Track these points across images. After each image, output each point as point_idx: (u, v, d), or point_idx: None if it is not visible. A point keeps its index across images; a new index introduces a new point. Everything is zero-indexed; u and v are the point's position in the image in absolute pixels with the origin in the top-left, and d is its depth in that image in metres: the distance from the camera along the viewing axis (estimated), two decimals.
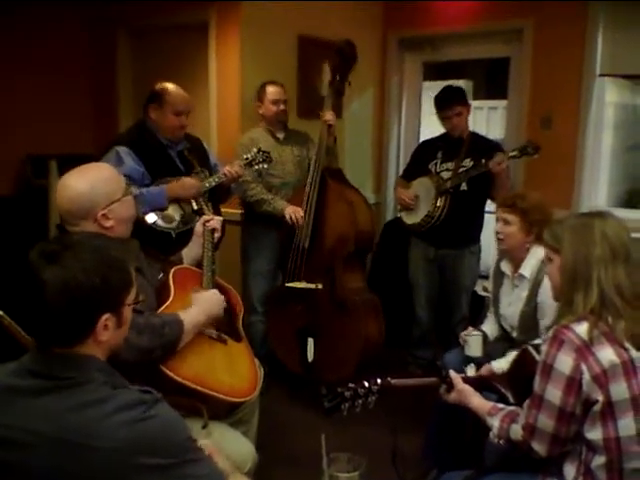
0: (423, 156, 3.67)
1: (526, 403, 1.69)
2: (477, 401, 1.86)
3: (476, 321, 3.50)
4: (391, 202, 5.01)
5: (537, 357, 1.86)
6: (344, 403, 1.75)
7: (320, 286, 3.37)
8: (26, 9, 4.32)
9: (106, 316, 1.26)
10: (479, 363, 2.59)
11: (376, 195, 4.92)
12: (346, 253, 3.35)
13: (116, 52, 4.60)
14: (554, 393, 1.57)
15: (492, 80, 5.35)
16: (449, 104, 3.46)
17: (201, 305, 1.99)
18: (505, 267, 2.71)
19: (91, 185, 1.82)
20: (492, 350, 2.71)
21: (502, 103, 4.87)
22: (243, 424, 2.17)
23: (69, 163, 2.12)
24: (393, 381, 1.83)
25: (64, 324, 1.22)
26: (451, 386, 1.91)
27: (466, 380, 1.94)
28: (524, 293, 2.57)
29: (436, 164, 3.56)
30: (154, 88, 2.99)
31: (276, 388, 3.43)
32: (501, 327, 2.72)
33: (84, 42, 4.73)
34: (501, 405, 1.83)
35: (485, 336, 2.69)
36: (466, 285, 3.63)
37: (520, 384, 1.89)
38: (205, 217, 2.40)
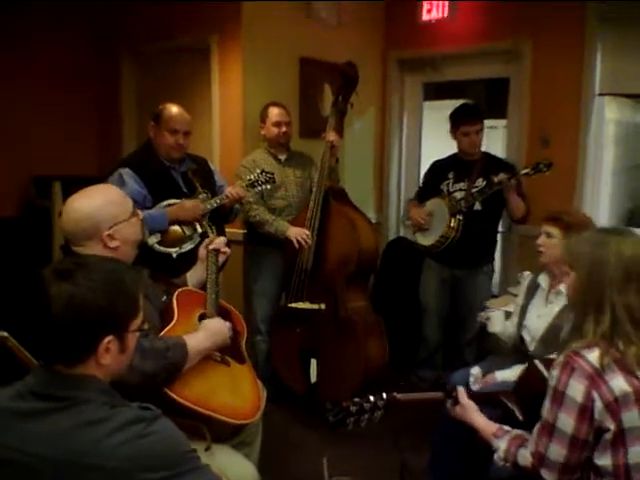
0: (434, 177, 3.69)
1: (536, 430, 1.66)
2: (481, 420, 1.85)
3: (482, 340, 3.51)
4: (393, 221, 5.03)
5: (544, 372, 1.85)
6: (349, 418, 1.74)
7: (323, 306, 3.38)
8: (30, 33, 4.39)
9: (109, 338, 1.27)
10: (484, 373, 2.61)
11: (378, 214, 4.94)
12: (348, 273, 3.36)
13: (120, 75, 4.66)
14: (566, 421, 1.56)
15: (492, 99, 5.38)
16: (474, 119, 3.48)
17: (207, 331, 2.01)
18: (542, 280, 2.71)
19: (97, 206, 1.85)
20: (501, 363, 2.72)
21: (502, 122, 4.90)
22: (246, 446, 2.17)
23: (73, 184, 2.16)
24: (399, 396, 1.82)
25: (66, 341, 1.24)
26: (457, 401, 1.89)
27: (472, 395, 1.93)
28: (557, 308, 2.58)
29: (448, 184, 3.58)
30: (157, 108, 3.04)
31: (279, 409, 3.42)
32: (520, 338, 2.72)
33: (88, 65, 4.79)
34: (507, 427, 1.81)
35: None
36: (478, 305, 3.62)
37: (527, 400, 1.88)
38: (207, 240, 2.42)
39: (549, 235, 2.60)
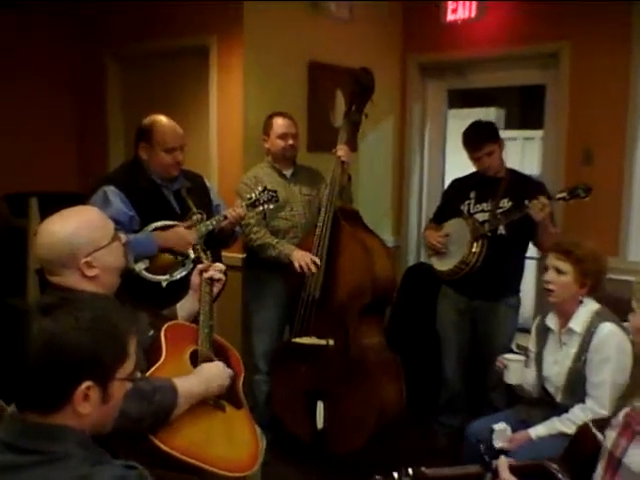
0: (454, 196, 3.73)
1: None
2: None
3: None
4: (413, 245, 5.05)
5: (599, 436, 1.82)
6: None
7: (332, 342, 3.39)
8: (5, 39, 4.46)
9: (88, 384, 1.28)
10: (514, 428, 2.60)
11: (396, 237, 4.97)
12: (362, 305, 3.37)
13: (105, 81, 4.73)
14: None
15: (527, 107, 5.43)
16: (478, 144, 3.51)
17: (202, 376, 2.03)
18: (551, 322, 2.74)
19: (73, 230, 1.87)
20: (529, 413, 2.73)
21: (539, 133, 4.94)
22: None
23: (51, 201, 2.20)
24: (428, 471, 1.78)
25: (40, 383, 1.26)
26: (497, 474, 1.83)
27: (516, 468, 1.86)
28: (573, 350, 2.61)
29: (469, 205, 3.61)
30: (142, 123, 3.07)
31: (281, 459, 3.42)
32: (544, 390, 2.74)
33: (69, 68, 4.86)
34: None
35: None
36: (502, 343, 3.60)
37: (579, 468, 1.83)
38: (201, 267, 2.44)
39: (559, 271, 2.62)
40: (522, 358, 2.74)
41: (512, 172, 3.66)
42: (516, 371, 2.72)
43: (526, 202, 3.31)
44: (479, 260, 3.45)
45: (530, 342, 2.87)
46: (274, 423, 3.58)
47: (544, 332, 2.78)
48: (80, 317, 1.29)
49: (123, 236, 2.10)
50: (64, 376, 1.27)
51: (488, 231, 3.44)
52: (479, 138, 3.53)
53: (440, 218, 3.77)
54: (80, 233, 1.88)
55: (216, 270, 2.43)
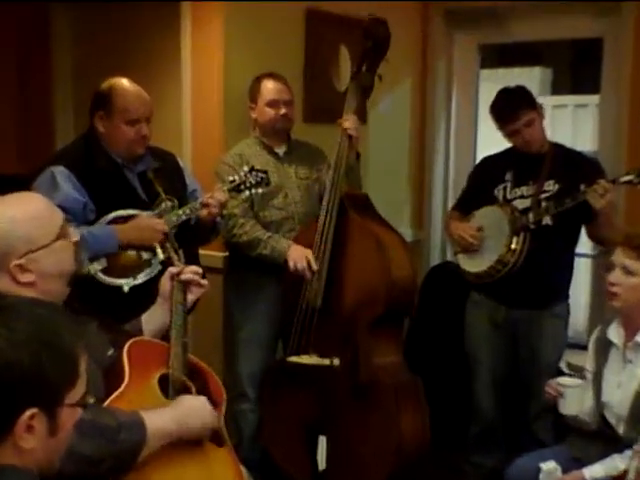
0: (486, 178, 3.73)
1: None
2: None
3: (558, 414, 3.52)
4: (437, 240, 5.06)
5: None
6: None
7: (337, 362, 3.39)
8: None
9: (32, 411, 1.27)
10: (565, 469, 2.60)
11: (416, 231, 4.98)
12: (374, 315, 3.37)
13: (49, 34, 4.71)
14: None
15: (580, 67, 5.42)
16: (513, 114, 3.50)
17: (179, 411, 2.01)
18: (614, 335, 2.74)
19: (9, 223, 1.86)
20: (586, 455, 2.72)
21: (594, 99, 4.93)
22: None
23: None
24: None
25: None
26: None
27: None
28: None
29: (505, 189, 3.60)
30: (99, 88, 3.07)
31: None
32: (603, 420, 2.74)
33: (5, 19, 4.83)
34: None
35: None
36: (548, 362, 3.61)
37: None
38: (172, 269, 2.42)
39: (628, 271, 2.62)
40: (580, 382, 2.73)
41: (558, 147, 3.67)
42: (575, 399, 2.71)
43: (582, 187, 3.30)
44: (520, 259, 3.43)
45: (587, 359, 2.86)
46: (264, 463, 3.59)
47: (605, 347, 2.77)
48: (18, 329, 1.28)
49: (75, 231, 2.08)
50: (2, 403, 1.26)
51: (532, 222, 3.43)
52: (513, 106, 3.52)
53: (466, 205, 3.78)
54: (16, 228, 1.87)
55: (192, 273, 2.42)
